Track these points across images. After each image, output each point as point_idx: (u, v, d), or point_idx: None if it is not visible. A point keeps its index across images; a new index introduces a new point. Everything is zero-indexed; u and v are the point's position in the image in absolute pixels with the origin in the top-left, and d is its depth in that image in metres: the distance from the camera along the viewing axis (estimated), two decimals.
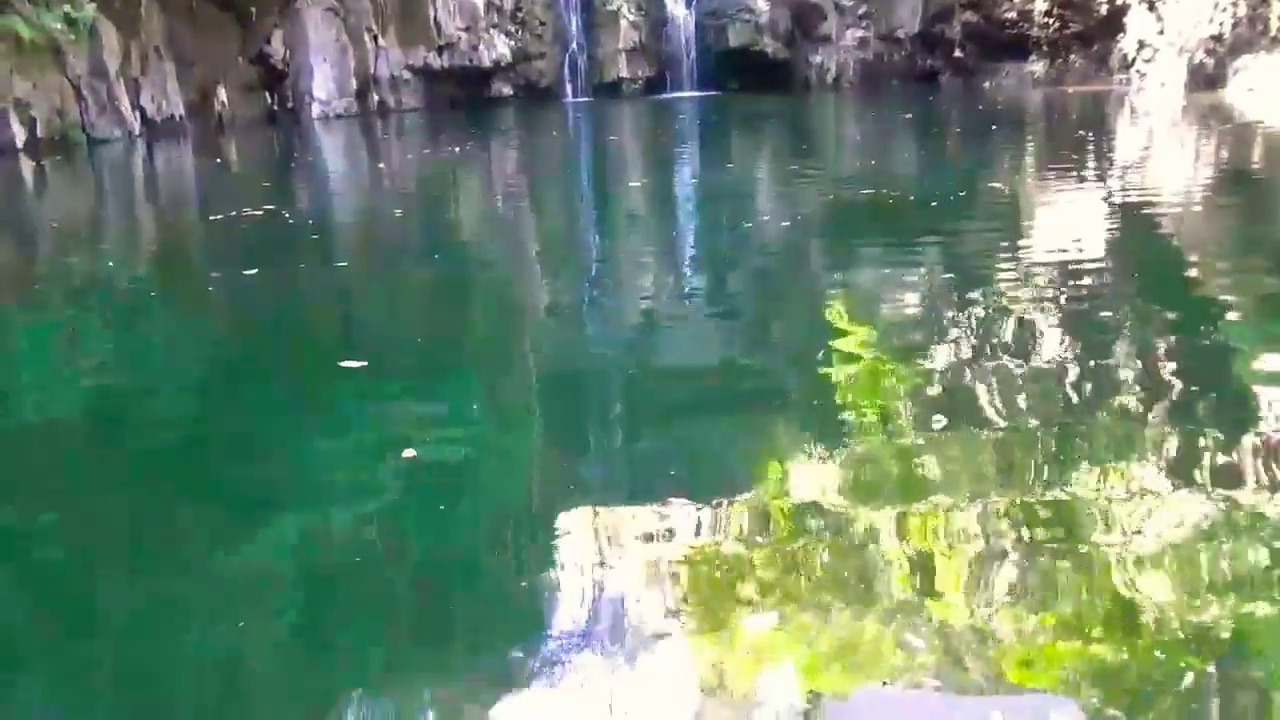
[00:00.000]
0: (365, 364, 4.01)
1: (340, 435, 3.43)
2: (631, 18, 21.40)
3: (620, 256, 6.60)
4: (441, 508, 2.87)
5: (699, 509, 2.74)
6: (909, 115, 14.65)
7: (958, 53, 17.36)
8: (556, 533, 2.68)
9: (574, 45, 21.68)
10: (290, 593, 2.52)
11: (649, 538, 2.62)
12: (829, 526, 2.64)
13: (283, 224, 7.85)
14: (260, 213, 8.16)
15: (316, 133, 16.70)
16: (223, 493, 3.07)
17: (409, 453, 3.15)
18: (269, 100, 18.18)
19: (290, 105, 18.27)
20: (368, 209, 9.25)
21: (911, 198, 7.80)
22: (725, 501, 2.78)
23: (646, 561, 2.49)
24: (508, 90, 21.27)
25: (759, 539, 2.59)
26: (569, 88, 21.75)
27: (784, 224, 7.13)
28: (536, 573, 2.50)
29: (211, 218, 8.47)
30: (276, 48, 17.91)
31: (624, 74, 21.37)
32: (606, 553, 2.56)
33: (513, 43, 21.05)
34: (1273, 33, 12.19)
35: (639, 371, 4.06)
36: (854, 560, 2.46)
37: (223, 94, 17.00)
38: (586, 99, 21.44)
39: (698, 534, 2.63)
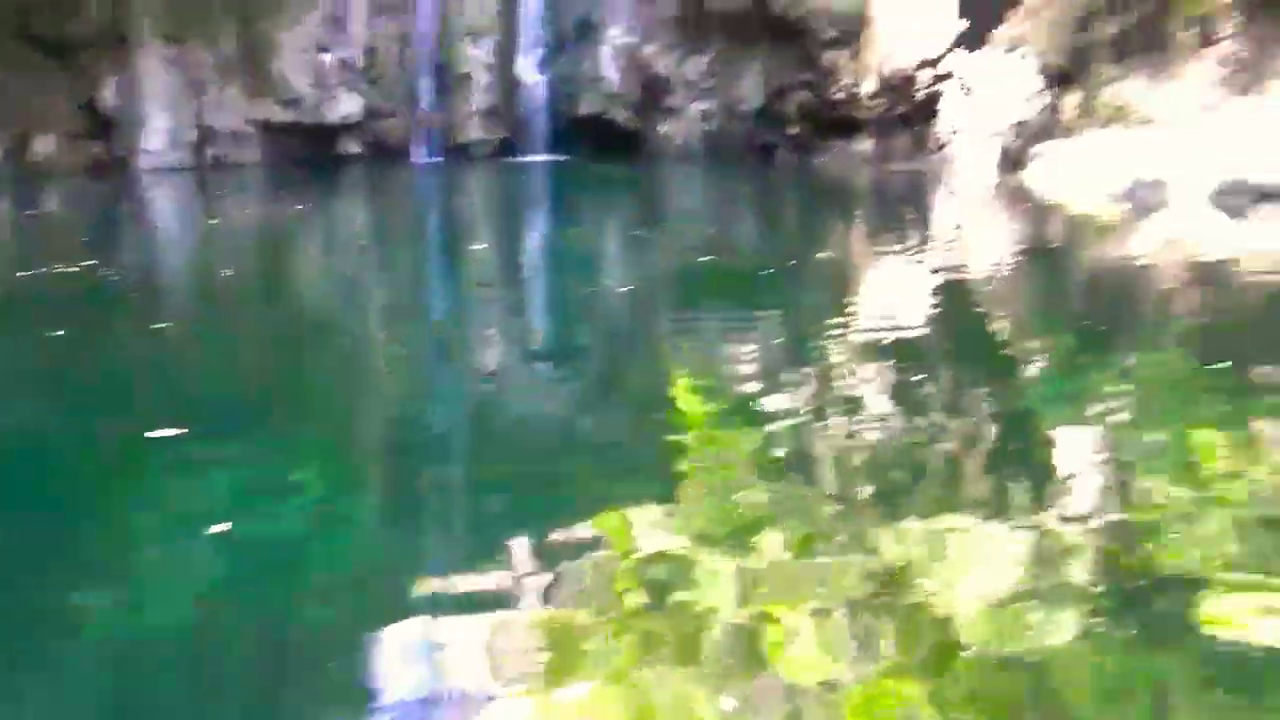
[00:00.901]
0: (184, 431, 3.84)
1: (145, 510, 3.27)
2: (484, 81, 21.57)
3: (463, 320, 6.59)
4: (261, 585, 2.77)
5: (540, 574, 2.76)
6: (748, 187, 15.34)
7: (794, 129, 18.31)
8: (387, 608, 2.60)
9: (425, 106, 21.64)
10: (88, 686, 2.37)
11: (489, 607, 2.59)
12: (670, 585, 2.71)
13: (101, 281, 7.45)
14: (76, 269, 7.71)
15: (147, 186, 15.97)
16: (12, 579, 2.86)
17: (222, 526, 3.03)
18: (97, 150, 17.27)
19: (120, 156, 17.42)
20: (198, 267, 8.90)
21: (748, 266, 8.15)
22: (567, 565, 2.80)
23: (484, 633, 2.46)
24: (356, 149, 20.97)
25: (600, 601, 2.63)
26: (419, 148, 21.64)
27: (624, 289, 7.30)
28: (363, 653, 2.43)
29: (19, 274, 7.94)
30: (107, 96, 17.10)
31: (475, 136, 21.44)
32: (443, 627, 2.51)
33: (363, 100, 20.82)
34: (1065, 121, 13.48)
35: (479, 435, 4.06)
36: (693, 616, 2.54)
37: (45, 142, 16.04)
38: (437, 160, 21.38)
39: (538, 601, 2.63)
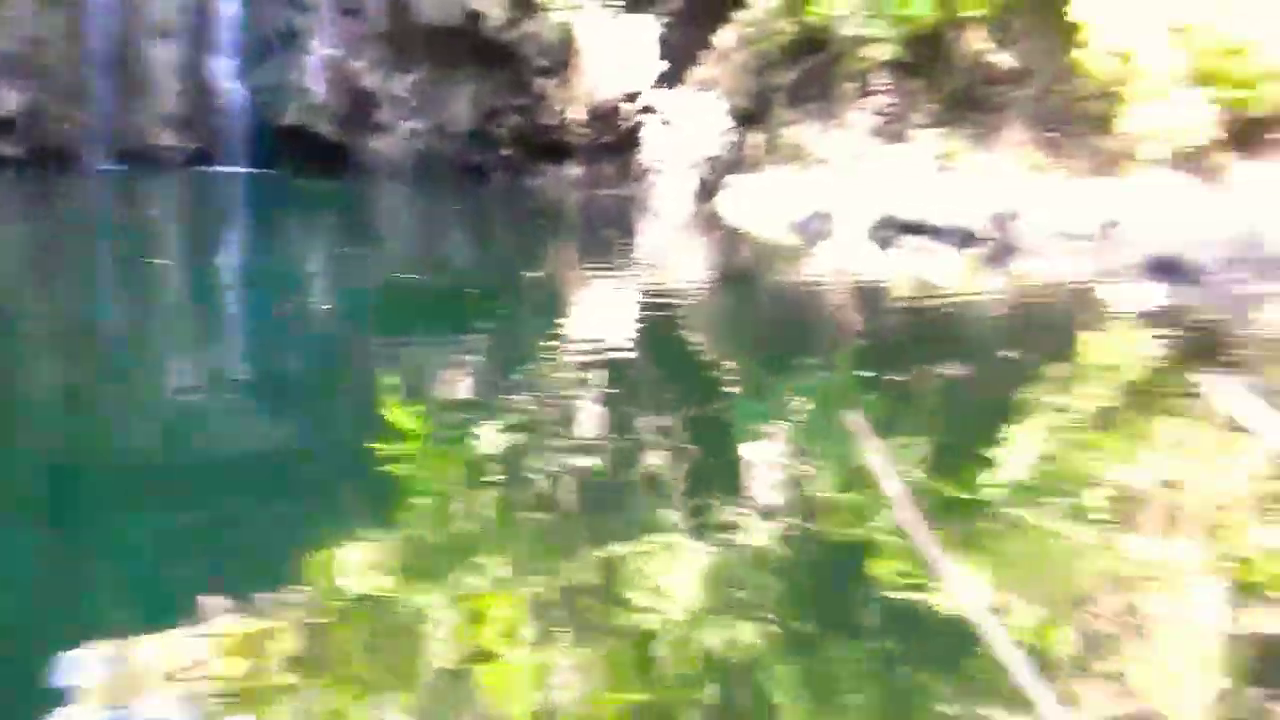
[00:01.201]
0: None
1: None
2: (174, 85, 19.97)
3: (144, 344, 6.13)
4: None
5: (237, 625, 2.61)
6: (459, 208, 15.42)
7: (507, 151, 18.61)
8: (41, 683, 2.32)
9: (103, 108, 19.66)
10: None
11: (174, 668, 2.42)
12: (381, 622, 2.69)
13: None
14: None
15: None
16: None
17: None
18: None
19: None
20: None
21: (459, 285, 8.23)
22: (270, 604, 2.69)
23: (177, 696, 2.30)
24: (15, 151, 18.61)
25: (306, 639, 2.55)
26: (95, 154, 19.62)
27: (328, 308, 7.13)
28: None
29: None
30: None
31: (163, 143, 19.79)
32: (126, 690, 2.32)
33: (24, 97, 18.53)
34: (751, 158, 14.81)
35: (163, 473, 3.81)
36: (405, 653, 2.54)
37: None
38: (118, 168, 19.50)
39: (234, 655, 2.50)
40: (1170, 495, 4.03)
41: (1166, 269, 9.00)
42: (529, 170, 18.86)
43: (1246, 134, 11.56)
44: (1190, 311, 8.17)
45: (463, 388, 5.05)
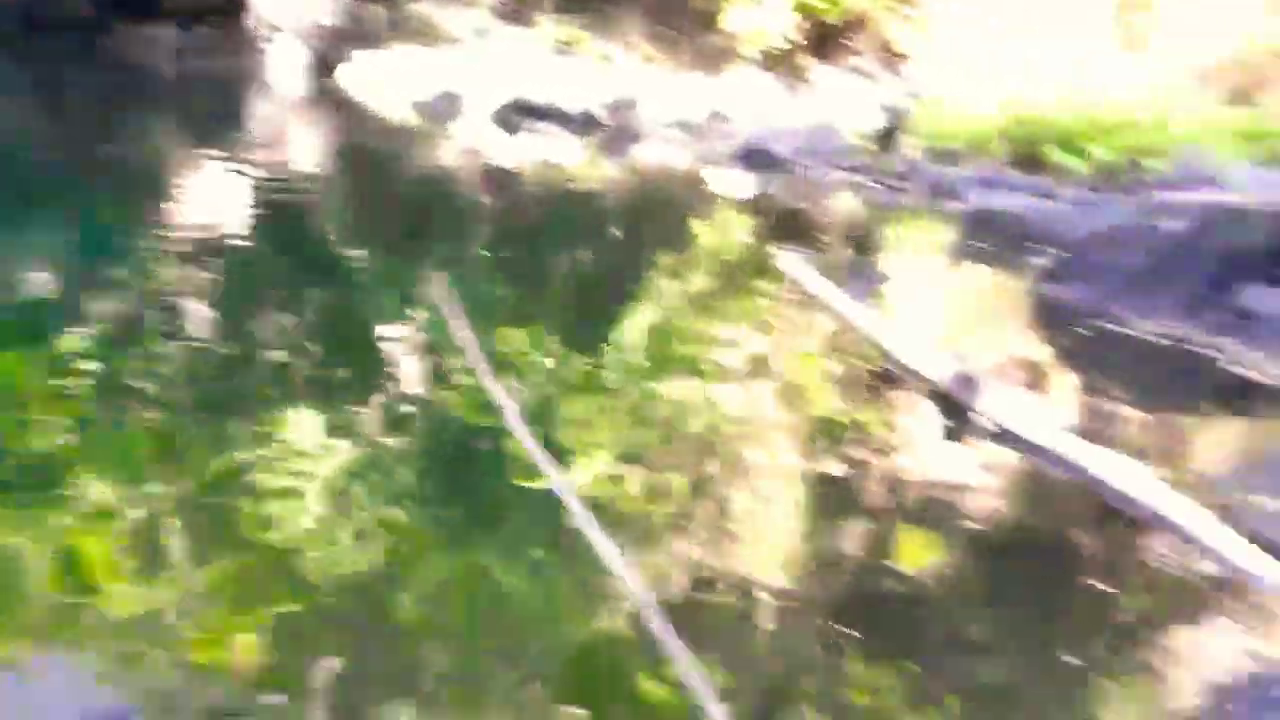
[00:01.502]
0: None
1: None
2: None
3: None
4: None
5: None
6: (24, 73, 13.14)
7: (81, 8, 16.01)
8: None
9: None
10: None
11: None
12: None
13: None
14: None
15: None
16: None
17: None
18: None
19: None
20: None
21: (22, 163, 7.10)
22: None
23: None
24: None
25: None
26: None
27: None
28: None
29: None
30: None
31: None
32: None
33: None
34: (376, 32, 14.07)
35: None
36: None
37: None
38: None
39: None
40: (753, 362, 4.62)
41: (758, 158, 10.04)
42: (114, 31, 16.33)
43: (824, 39, 13.03)
44: (776, 196, 9.22)
45: (38, 285, 4.46)
